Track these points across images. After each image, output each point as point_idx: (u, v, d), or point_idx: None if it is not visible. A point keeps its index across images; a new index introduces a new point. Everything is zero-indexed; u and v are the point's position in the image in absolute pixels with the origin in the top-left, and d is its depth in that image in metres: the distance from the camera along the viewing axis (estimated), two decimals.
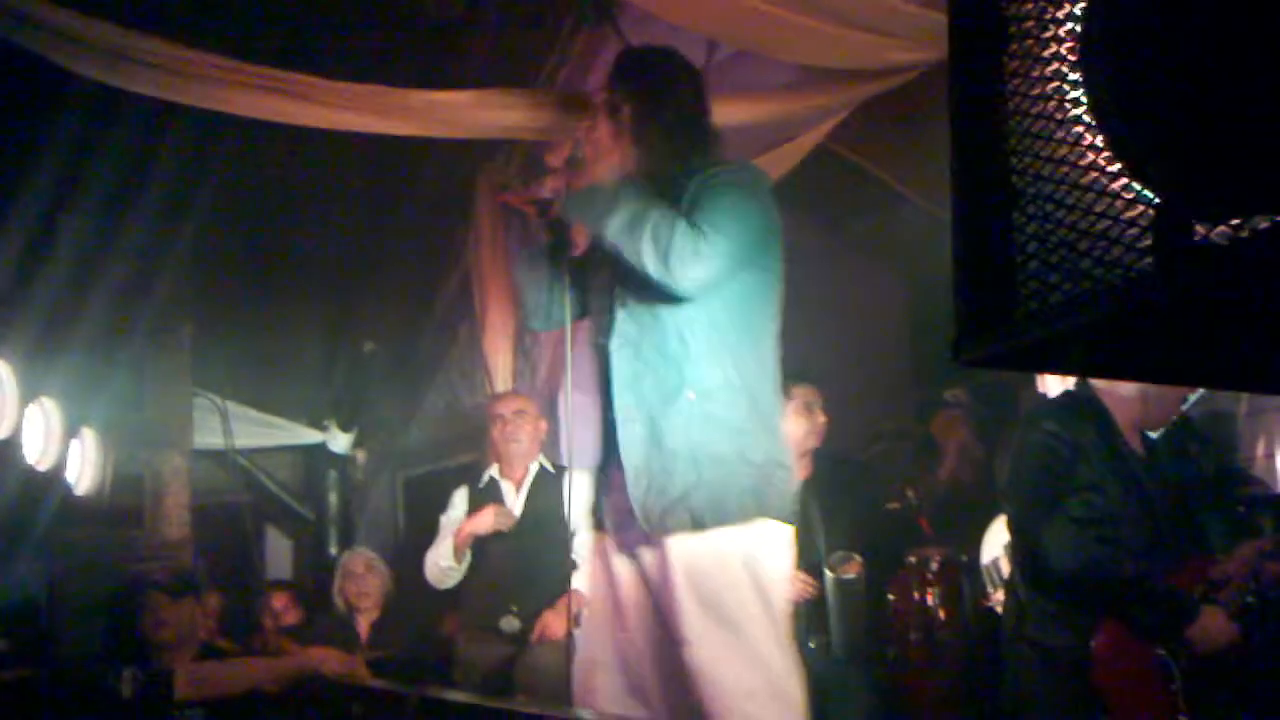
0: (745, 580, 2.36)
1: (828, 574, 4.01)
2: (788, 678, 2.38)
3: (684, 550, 2.36)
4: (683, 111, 2.54)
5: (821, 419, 4.24)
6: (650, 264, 2.34)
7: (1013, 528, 3.05)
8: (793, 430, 4.19)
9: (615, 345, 2.46)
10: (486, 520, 4.30)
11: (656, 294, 2.40)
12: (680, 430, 2.37)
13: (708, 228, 2.35)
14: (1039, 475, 2.85)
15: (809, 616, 4.03)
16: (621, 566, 2.52)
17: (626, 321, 2.45)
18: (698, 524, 2.35)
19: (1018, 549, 3.01)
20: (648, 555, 2.45)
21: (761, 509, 2.38)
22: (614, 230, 2.39)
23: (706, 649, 2.33)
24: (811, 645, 4.01)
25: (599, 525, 2.58)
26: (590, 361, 2.58)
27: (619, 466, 2.44)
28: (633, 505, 2.40)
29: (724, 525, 2.35)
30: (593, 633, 2.60)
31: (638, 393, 2.42)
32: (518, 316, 5.08)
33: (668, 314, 2.41)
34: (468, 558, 4.39)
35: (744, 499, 2.36)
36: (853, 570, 4.02)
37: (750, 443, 2.38)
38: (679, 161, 2.50)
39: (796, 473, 2.50)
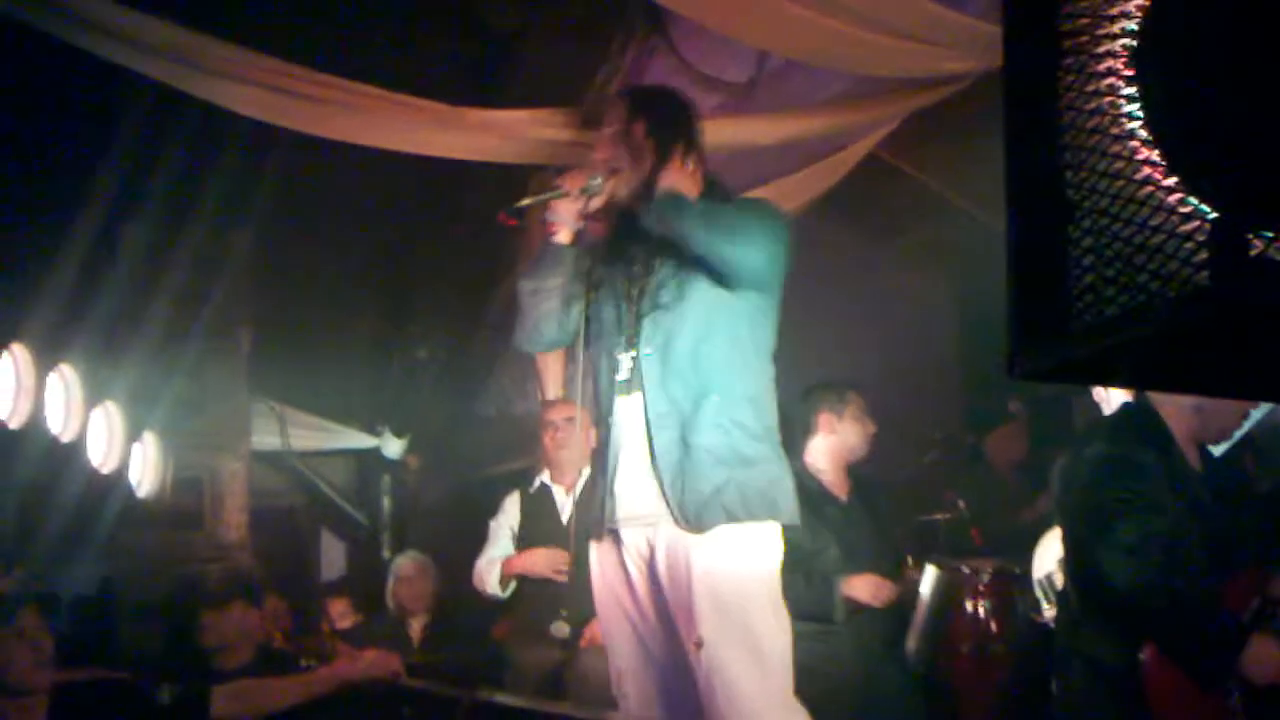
0: (757, 585, 2.47)
1: (930, 570, 3.98)
2: (789, 683, 2.48)
3: (703, 553, 2.45)
4: (692, 144, 2.69)
5: (871, 428, 4.22)
6: (717, 246, 2.49)
7: (1067, 544, 3.01)
8: (848, 438, 4.19)
9: (645, 352, 2.55)
10: (538, 564, 4.33)
11: (678, 300, 2.55)
12: (707, 432, 2.48)
13: (763, 229, 2.55)
14: (1094, 494, 2.80)
15: (886, 624, 4.03)
16: (633, 568, 2.59)
17: (653, 329, 2.56)
18: (732, 517, 2.45)
19: (1072, 565, 2.97)
20: (662, 557, 2.52)
21: (777, 511, 2.52)
22: (691, 224, 2.51)
23: (722, 649, 2.40)
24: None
25: (601, 532, 2.63)
26: (598, 372, 2.69)
27: (643, 466, 2.52)
28: (669, 504, 2.48)
29: (753, 520, 2.47)
30: (612, 640, 2.66)
31: (669, 396, 2.52)
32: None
33: (689, 321, 2.54)
34: (514, 586, 4.44)
35: (761, 496, 2.49)
36: (948, 571, 4.02)
37: (765, 449, 2.53)
38: (697, 188, 2.65)
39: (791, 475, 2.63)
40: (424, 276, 6.42)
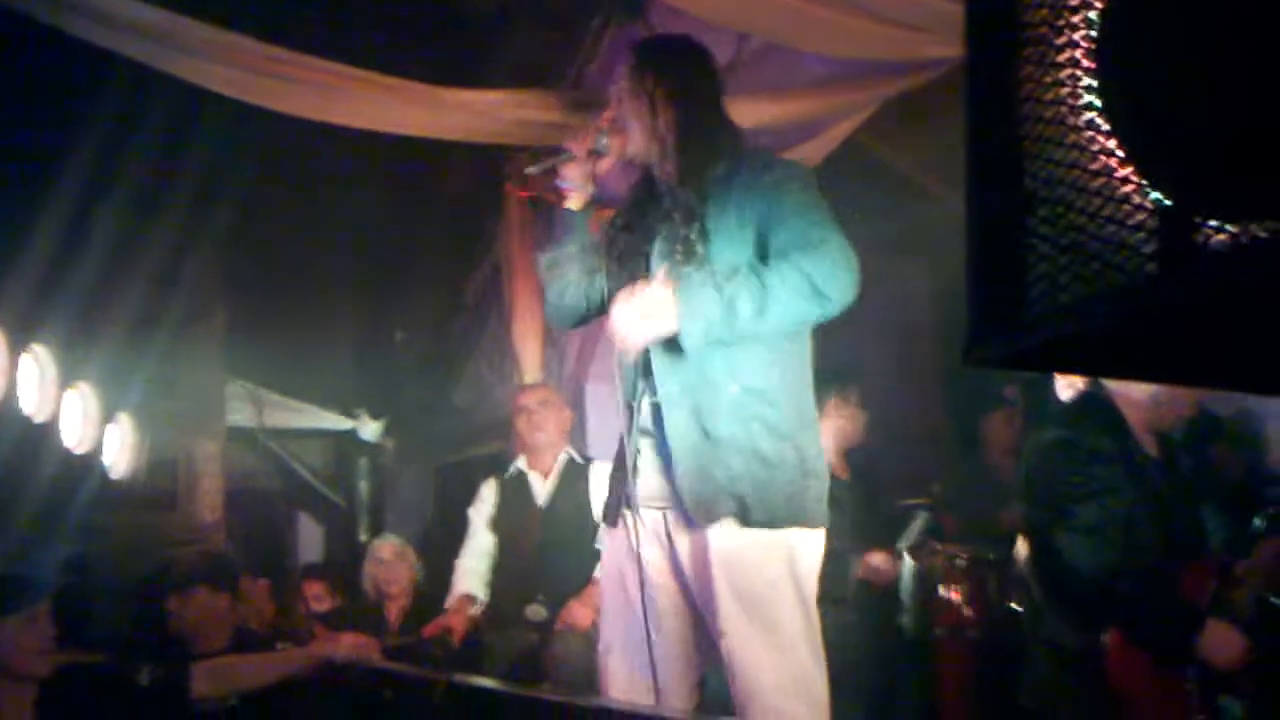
0: (784, 577, 2.37)
1: (908, 556, 4.04)
2: (817, 676, 2.39)
3: (724, 542, 2.36)
4: (708, 95, 2.53)
5: (866, 415, 4.32)
6: (813, 313, 2.31)
7: (1027, 530, 3.05)
8: (854, 423, 4.27)
9: None
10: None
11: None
12: (725, 421, 2.35)
13: (819, 229, 2.35)
14: (1052, 479, 2.84)
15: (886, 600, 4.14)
16: (650, 552, 2.50)
17: None
18: (744, 517, 2.34)
19: (1033, 550, 3.00)
20: (683, 542, 2.44)
21: (799, 515, 2.38)
22: (748, 322, 2.28)
23: (741, 641, 2.34)
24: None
25: (618, 511, 2.53)
26: (612, 350, 2.51)
27: (661, 450, 2.42)
28: (680, 489, 2.38)
29: (768, 527, 2.35)
30: (609, 617, 2.58)
31: (681, 377, 2.38)
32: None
33: None
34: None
35: (785, 503, 2.36)
36: (924, 556, 4.07)
37: (791, 448, 2.38)
38: (710, 145, 2.47)
39: (827, 477, 2.47)
40: (403, 258, 6.40)
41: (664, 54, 2.59)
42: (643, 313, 2.30)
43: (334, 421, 6.91)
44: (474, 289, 6.41)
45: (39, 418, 4.22)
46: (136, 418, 4.77)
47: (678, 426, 2.38)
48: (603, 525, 2.62)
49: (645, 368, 2.45)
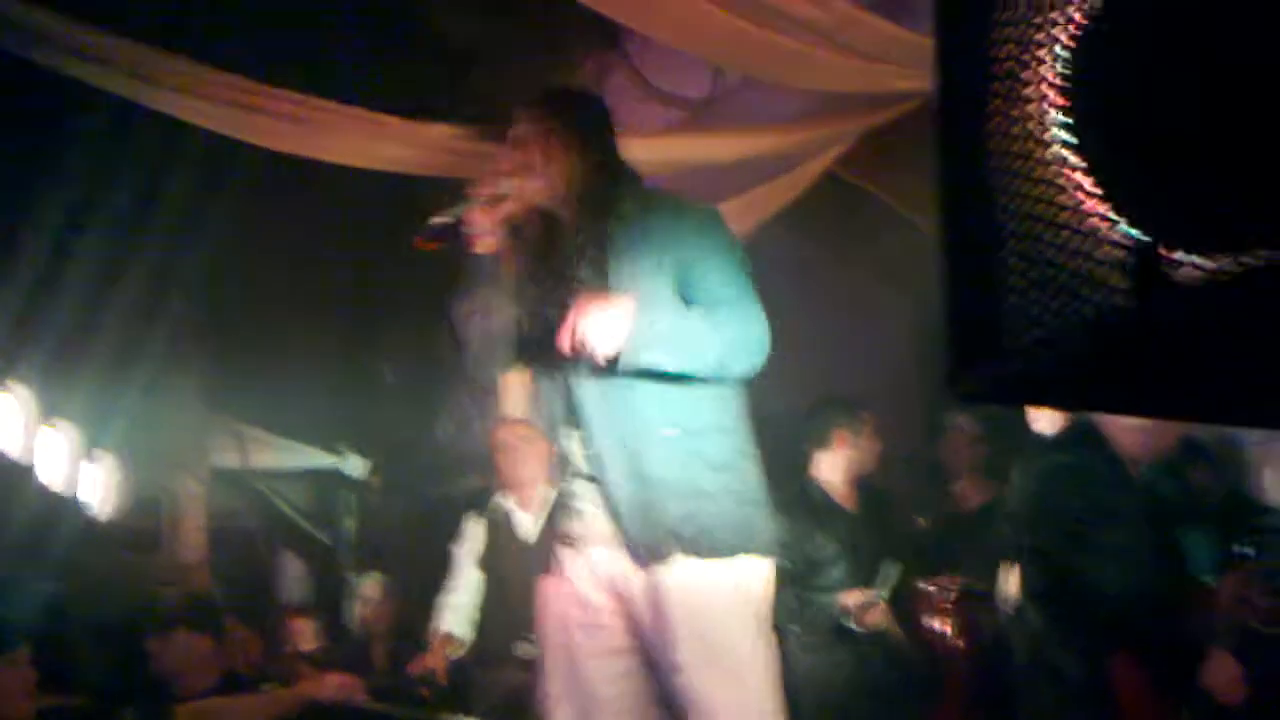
0: (736, 606, 2.40)
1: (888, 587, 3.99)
2: (772, 704, 2.41)
3: (675, 577, 2.37)
4: (603, 136, 2.61)
5: (880, 446, 4.28)
6: (737, 368, 2.40)
7: (1029, 558, 3.03)
8: (863, 454, 4.23)
9: (578, 383, 2.45)
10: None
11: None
12: (662, 464, 2.39)
13: (743, 294, 2.42)
14: (1064, 504, 2.83)
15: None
16: (596, 596, 2.50)
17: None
18: (692, 552, 2.37)
19: (1039, 578, 2.98)
20: (634, 584, 2.44)
21: (746, 543, 2.41)
22: (693, 346, 2.37)
23: (697, 674, 2.34)
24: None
25: (556, 556, 2.55)
26: (546, 401, 2.58)
27: (603, 494, 2.45)
28: (625, 535, 2.41)
29: (716, 557, 2.37)
30: (553, 668, 2.55)
31: (613, 422, 2.42)
32: None
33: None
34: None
35: (732, 533, 2.39)
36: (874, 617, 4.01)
37: (732, 480, 2.41)
38: (609, 184, 2.53)
39: (768, 504, 2.50)
40: (388, 293, 6.38)
41: (559, 99, 2.71)
42: (608, 318, 2.32)
43: (319, 458, 6.87)
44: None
45: (17, 456, 4.19)
46: (118, 456, 4.73)
47: (617, 474, 2.41)
48: (540, 576, 2.62)
49: (572, 415, 2.49)
